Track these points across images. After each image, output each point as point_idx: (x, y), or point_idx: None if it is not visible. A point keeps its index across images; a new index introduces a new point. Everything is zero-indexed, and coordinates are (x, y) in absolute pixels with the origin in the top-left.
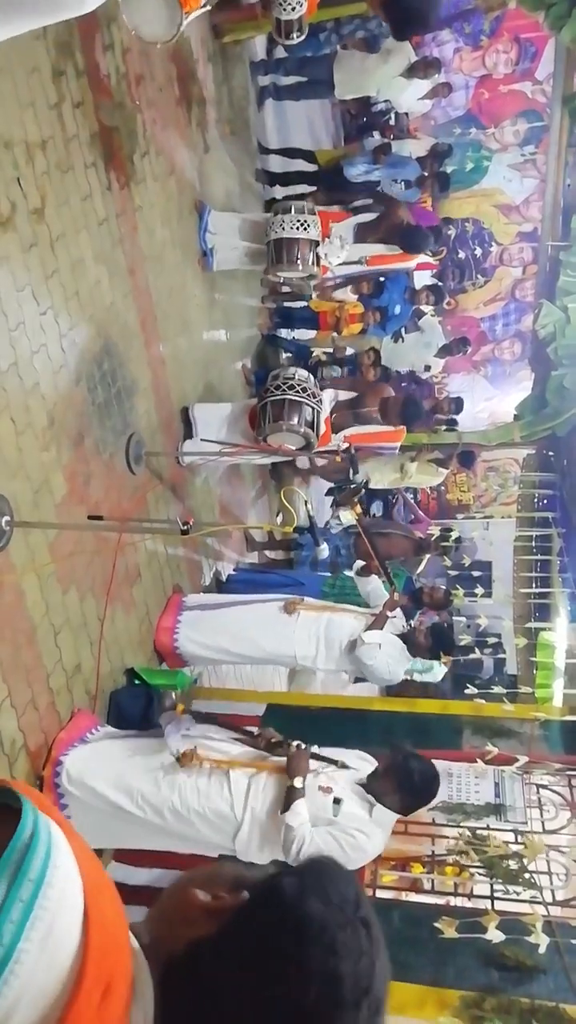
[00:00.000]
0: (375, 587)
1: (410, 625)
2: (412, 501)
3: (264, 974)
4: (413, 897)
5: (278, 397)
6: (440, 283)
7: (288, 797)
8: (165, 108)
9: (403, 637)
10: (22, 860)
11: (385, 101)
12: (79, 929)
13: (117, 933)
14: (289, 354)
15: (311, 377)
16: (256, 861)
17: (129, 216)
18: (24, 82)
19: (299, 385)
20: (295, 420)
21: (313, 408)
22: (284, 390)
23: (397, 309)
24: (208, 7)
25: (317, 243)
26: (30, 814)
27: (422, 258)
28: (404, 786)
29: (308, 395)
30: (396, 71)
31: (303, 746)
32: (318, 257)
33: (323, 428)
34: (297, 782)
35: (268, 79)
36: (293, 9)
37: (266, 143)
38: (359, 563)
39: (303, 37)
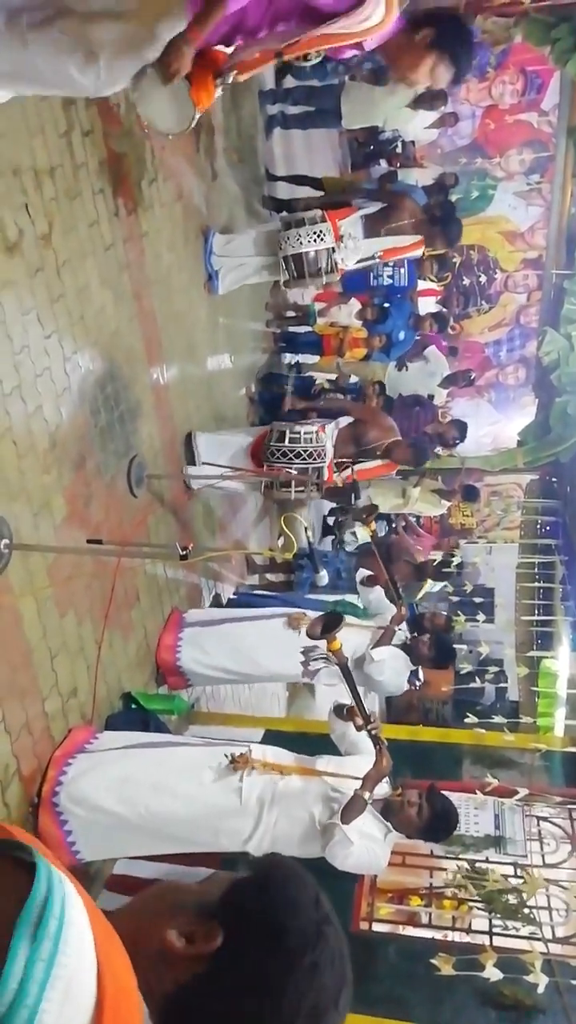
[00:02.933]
0: (377, 597)
1: (413, 636)
2: (414, 523)
3: (261, 1002)
4: (410, 931)
5: (282, 464)
6: (444, 309)
7: (355, 807)
8: (174, 136)
9: (405, 648)
10: (40, 919)
11: (392, 130)
12: (94, 983)
13: (127, 983)
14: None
15: (313, 433)
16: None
17: (136, 242)
18: (34, 110)
19: (304, 451)
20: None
21: (318, 467)
22: (291, 458)
23: (401, 335)
24: (219, 93)
25: (333, 249)
26: (44, 870)
27: (429, 284)
28: (428, 825)
29: (312, 457)
30: (403, 102)
31: (388, 756)
32: (335, 262)
33: (326, 475)
34: (366, 795)
35: (276, 108)
36: None
37: (273, 170)
38: (364, 572)
39: (320, 58)
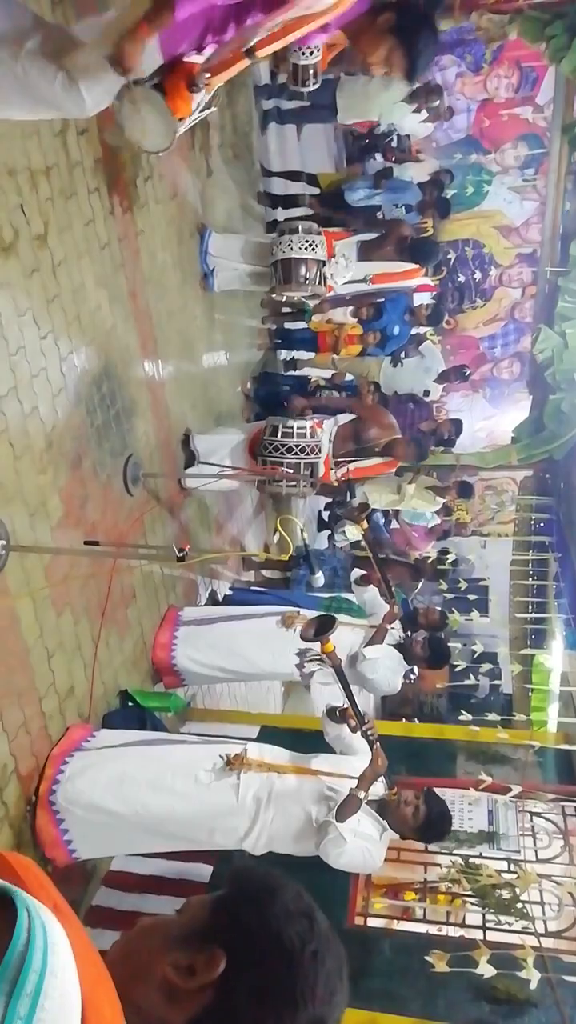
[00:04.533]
0: (372, 596)
1: (407, 635)
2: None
3: (279, 1013)
4: (405, 925)
5: (276, 459)
6: (439, 304)
7: (350, 806)
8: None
9: (399, 647)
10: (18, 973)
11: (388, 124)
12: None
13: None
14: (287, 387)
15: (307, 428)
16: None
17: (131, 240)
18: (31, 118)
19: (296, 446)
20: (294, 482)
21: (312, 463)
22: (283, 452)
23: (396, 329)
24: (210, 111)
25: (323, 263)
26: (24, 918)
27: (423, 280)
28: (423, 826)
29: (306, 452)
30: (398, 97)
31: (383, 757)
32: (324, 277)
33: (321, 471)
34: (362, 795)
35: (272, 103)
36: (312, 54)
37: (269, 166)
38: (358, 572)
39: (318, 85)
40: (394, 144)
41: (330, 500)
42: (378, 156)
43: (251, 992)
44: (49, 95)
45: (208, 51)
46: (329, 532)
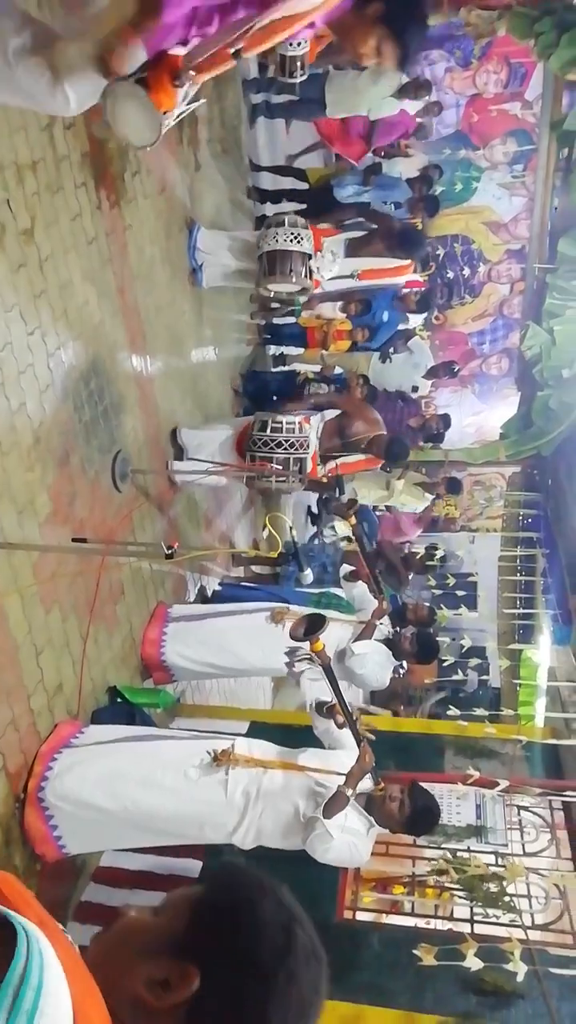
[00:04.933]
0: (361, 591)
1: (396, 631)
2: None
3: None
4: (394, 919)
5: (264, 454)
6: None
7: (337, 803)
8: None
9: (388, 643)
10: (18, 992)
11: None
12: None
13: None
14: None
15: (295, 423)
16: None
17: (119, 235)
18: (16, 107)
19: (286, 441)
20: (283, 478)
21: (301, 458)
22: (271, 447)
23: (385, 315)
24: (197, 103)
25: (310, 256)
26: (23, 940)
27: (411, 276)
28: (409, 819)
29: (294, 448)
30: (387, 91)
31: (370, 753)
32: (310, 271)
33: (309, 466)
34: (349, 791)
35: (260, 97)
36: (300, 44)
37: (257, 160)
38: (347, 567)
39: (305, 76)
40: None
41: (323, 496)
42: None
43: (222, 1013)
44: (35, 92)
45: (193, 43)
46: (316, 527)
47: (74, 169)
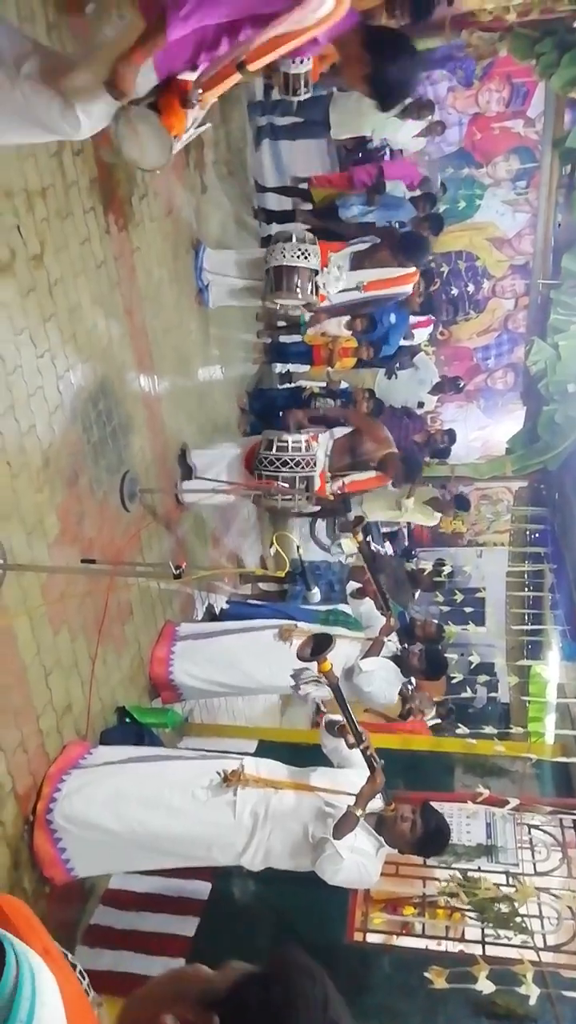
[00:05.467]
0: (368, 608)
1: (404, 647)
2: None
3: None
4: (404, 940)
5: (271, 472)
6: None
7: (347, 823)
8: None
9: (396, 660)
10: (9, 1008)
11: (381, 139)
12: None
13: None
14: (282, 399)
15: (302, 442)
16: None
17: (127, 258)
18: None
19: (292, 460)
20: (290, 496)
21: (308, 476)
22: (279, 466)
23: (392, 317)
24: (205, 127)
25: (316, 272)
26: (12, 966)
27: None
28: (421, 840)
29: (301, 466)
30: (391, 112)
31: (381, 774)
32: (317, 287)
33: (317, 484)
34: (359, 812)
35: (265, 120)
36: (302, 62)
37: (263, 181)
38: (354, 584)
39: (309, 93)
40: (387, 158)
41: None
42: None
43: None
44: (46, 118)
45: (202, 67)
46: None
47: (83, 195)
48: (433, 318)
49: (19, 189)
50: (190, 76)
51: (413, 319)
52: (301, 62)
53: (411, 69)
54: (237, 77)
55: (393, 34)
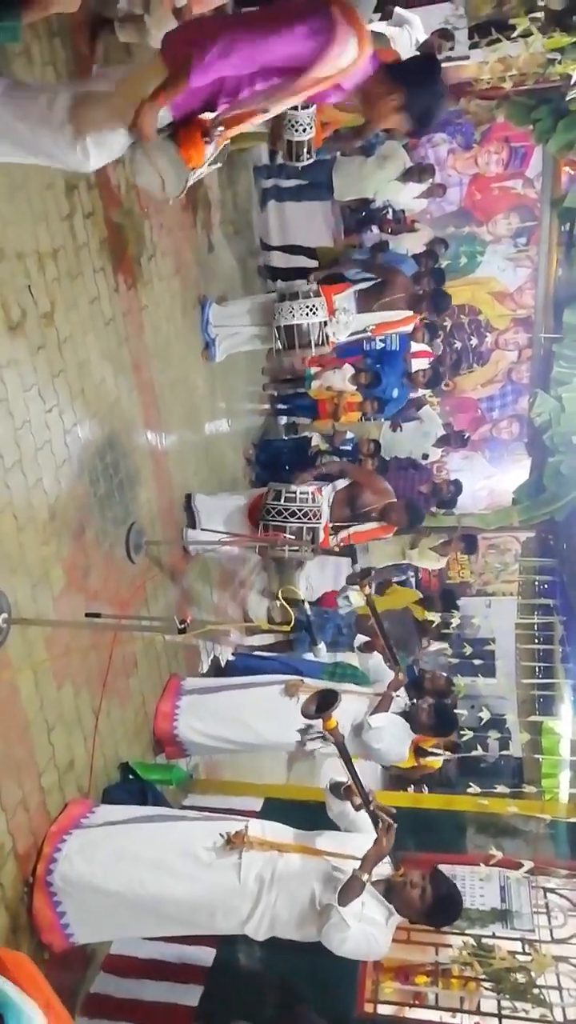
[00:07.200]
0: (376, 662)
1: (413, 702)
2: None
3: None
4: (417, 1012)
5: (278, 523)
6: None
7: (352, 889)
8: (172, 213)
9: (405, 715)
10: None
11: (384, 201)
12: None
13: None
14: (287, 451)
15: (309, 493)
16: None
17: (135, 315)
18: (39, 197)
19: (300, 510)
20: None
21: (314, 528)
22: (285, 516)
23: (395, 392)
24: (217, 165)
25: (326, 323)
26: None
27: (421, 346)
28: (431, 908)
29: (308, 517)
30: (393, 175)
31: (388, 836)
32: (326, 336)
33: (322, 536)
34: (364, 876)
35: (271, 182)
36: (305, 131)
37: (268, 240)
38: (361, 638)
39: (312, 160)
40: (390, 216)
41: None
42: (374, 228)
43: None
44: (54, 149)
45: (221, 109)
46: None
47: (93, 255)
48: (431, 351)
49: (31, 251)
50: (208, 116)
51: (414, 347)
52: (303, 130)
53: (441, 87)
54: (261, 117)
55: (415, 62)
